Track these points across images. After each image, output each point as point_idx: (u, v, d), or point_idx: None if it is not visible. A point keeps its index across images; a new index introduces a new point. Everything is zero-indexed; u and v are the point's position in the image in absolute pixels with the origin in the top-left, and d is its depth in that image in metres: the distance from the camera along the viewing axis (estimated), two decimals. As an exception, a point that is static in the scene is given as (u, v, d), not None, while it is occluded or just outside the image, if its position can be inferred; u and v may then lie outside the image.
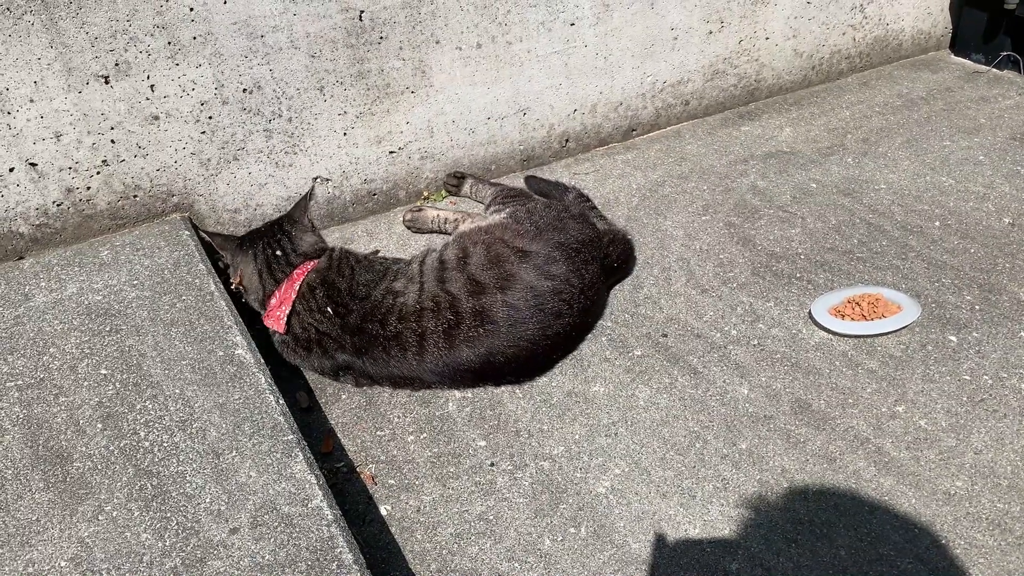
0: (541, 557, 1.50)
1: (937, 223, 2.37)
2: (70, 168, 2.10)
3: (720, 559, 1.48)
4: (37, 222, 2.13)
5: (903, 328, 1.97)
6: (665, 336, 2.01)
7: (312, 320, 1.87)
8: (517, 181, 2.63)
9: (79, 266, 2.06)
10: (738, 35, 2.96)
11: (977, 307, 2.03)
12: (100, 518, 1.40)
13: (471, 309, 1.78)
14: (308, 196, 2.03)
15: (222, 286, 1.98)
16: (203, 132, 2.21)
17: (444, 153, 2.61)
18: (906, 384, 1.83)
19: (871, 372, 1.87)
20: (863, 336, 1.96)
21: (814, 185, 2.60)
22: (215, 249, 2.07)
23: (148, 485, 1.46)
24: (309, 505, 1.41)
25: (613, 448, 1.72)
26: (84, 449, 1.53)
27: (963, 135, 2.84)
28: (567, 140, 2.82)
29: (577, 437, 1.75)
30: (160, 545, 1.35)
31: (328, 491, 1.46)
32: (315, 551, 1.33)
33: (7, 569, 1.32)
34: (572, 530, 1.55)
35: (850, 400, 1.80)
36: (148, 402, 1.63)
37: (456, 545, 1.53)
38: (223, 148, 2.26)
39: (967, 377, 1.84)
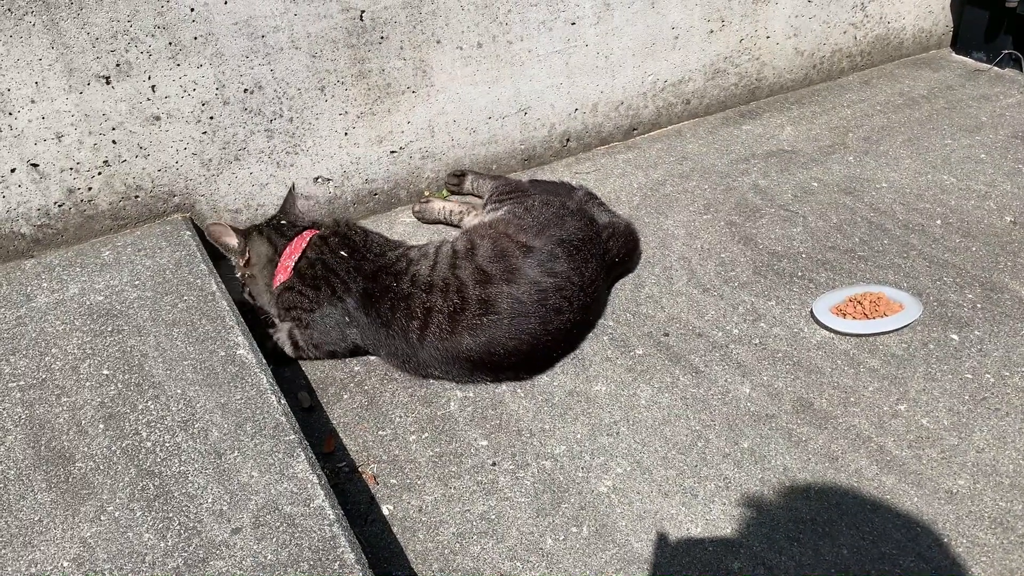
0: (543, 556, 1.50)
1: (939, 221, 2.37)
2: (71, 169, 2.10)
3: (722, 558, 1.48)
4: (39, 223, 2.13)
5: (905, 327, 1.97)
6: (667, 335, 2.01)
7: (322, 256, 1.93)
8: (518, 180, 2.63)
9: (81, 266, 2.06)
10: (739, 34, 2.96)
11: (979, 305, 2.03)
12: (102, 518, 1.40)
13: (477, 297, 1.81)
14: (291, 192, 2.13)
15: (223, 286, 1.98)
16: (204, 132, 2.21)
17: (445, 153, 2.61)
18: (908, 383, 1.83)
19: (873, 371, 1.87)
20: (865, 335, 1.96)
21: (815, 184, 2.60)
22: (220, 248, 2.08)
23: (150, 485, 1.46)
24: (311, 505, 1.41)
25: (615, 447, 1.72)
26: (86, 449, 1.53)
27: (964, 133, 2.83)
28: (568, 139, 2.82)
29: (579, 436, 1.75)
30: (162, 545, 1.35)
31: (330, 491, 1.46)
32: (317, 551, 1.33)
33: (10, 569, 1.32)
34: (574, 529, 1.55)
35: (852, 399, 1.80)
36: (150, 402, 1.64)
37: (458, 544, 1.53)
38: (224, 148, 2.26)
39: (969, 376, 1.83)
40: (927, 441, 1.68)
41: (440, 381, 1.90)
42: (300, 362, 1.99)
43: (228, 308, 1.88)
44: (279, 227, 2.03)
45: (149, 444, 1.54)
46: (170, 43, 2.07)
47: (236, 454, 1.51)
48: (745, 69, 3.06)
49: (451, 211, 2.43)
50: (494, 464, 1.70)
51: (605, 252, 2.06)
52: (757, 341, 1.97)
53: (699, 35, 2.88)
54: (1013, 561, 1.44)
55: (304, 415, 1.83)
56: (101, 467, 1.50)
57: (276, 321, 2.00)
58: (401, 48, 2.38)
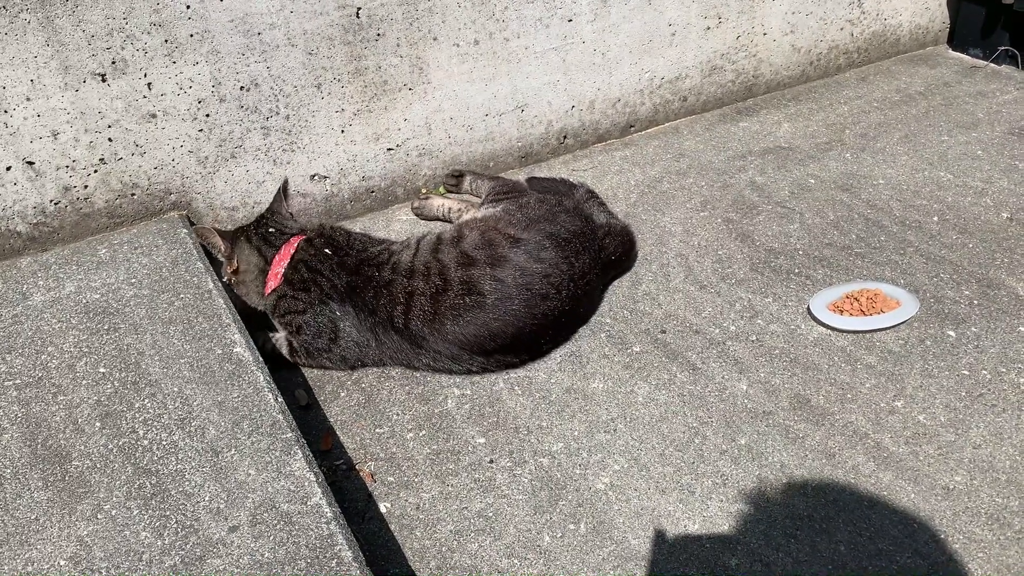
0: (541, 553, 1.50)
1: (935, 218, 2.37)
2: (67, 167, 2.10)
3: (719, 555, 1.48)
4: (35, 221, 2.13)
5: (902, 323, 1.97)
6: (664, 332, 2.01)
7: (306, 258, 1.94)
8: (517, 178, 2.63)
9: (77, 265, 2.05)
10: (736, 31, 2.96)
11: (975, 302, 2.03)
12: (99, 517, 1.40)
13: (459, 278, 1.83)
14: (282, 189, 2.12)
15: (220, 284, 1.98)
16: (200, 130, 2.21)
17: (442, 150, 2.61)
18: (905, 379, 1.83)
19: (870, 367, 1.87)
20: (862, 331, 1.96)
21: (812, 181, 2.60)
22: (207, 249, 2.08)
23: (147, 483, 1.45)
24: (308, 503, 1.41)
25: (612, 444, 1.72)
26: (83, 448, 1.53)
27: (961, 130, 2.84)
28: (565, 137, 2.82)
29: (576, 433, 1.75)
30: (159, 543, 1.35)
31: (327, 489, 1.46)
32: (314, 549, 1.33)
33: (6, 568, 1.32)
34: (571, 526, 1.55)
35: (849, 395, 1.80)
36: (147, 400, 1.63)
37: (456, 542, 1.53)
38: (221, 146, 2.25)
39: (966, 372, 1.84)
40: (924, 437, 1.69)
41: (436, 377, 1.90)
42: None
43: (225, 306, 1.88)
44: (267, 236, 2.02)
45: (146, 442, 1.54)
46: (166, 40, 2.06)
47: (233, 452, 1.51)
48: (742, 66, 3.06)
49: (450, 208, 2.43)
50: (491, 461, 1.70)
51: (601, 249, 2.06)
52: (754, 338, 1.98)
53: (696, 32, 2.88)
54: (1010, 557, 1.44)
55: (301, 413, 1.83)
56: (98, 465, 1.49)
57: (277, 327, 2.00)
58: (398, 45, 2.38)
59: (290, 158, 2.37)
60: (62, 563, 1.32)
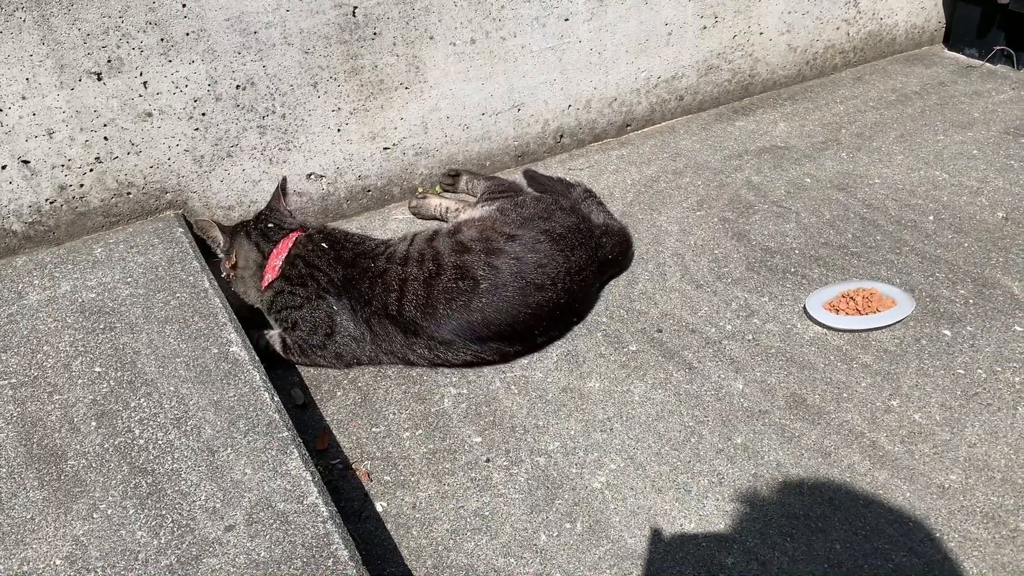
0: (537, 552, 1.50)
1: (931, 217, 2.37)
2: (63, 165, 2.09)
3: (715, 553, 1.49)
4: (30, 220, 2.12)
5: (897, 322, 1.98)
6: (660, 331, 2.01)
7: (303, 253, 1.95)
8: (513, 176, 2.63)
9: (72, 264, 2.05)
10: (732, 30, 2.96)
11: (971, 301, 2.04)
12: (95, 516, 1.40)
13: (453, 263, 1.85)
14: (280, 187, 2.13)
15: (216, 283, 1.97)
16: (196, 129, 2.20)
17: (438, 149, 2.61)
18: (900, 378, 1.83)
19: (865, 366, 1.87)
20: (857, 330, 1.97)
21: (808, 180, 2.60)
22: (206, 242, 2.09)
23: (143, 483, 1.45)
24: (304, 502, 1.40)
25: (608, 443, 1.72)
26: (78, 447, 1.53)
27: (957, 129, 2.84)
28: (561, 136, 2.82)
29: (572, 433, 1.75)
30: (155, 543, 1.34)
31: (323, 488, 1.46)
32: (311, 548, 1.33)
33: (1, 568, 1.31)
34: (568, 525, 1.55)
35: (844, 394, 1.80)
36: (142, 400, 1.63)
37: (452, 541, 1.53)
38: (217, 145, 2.25)
39: (961, 371, 1.84)
40: (919, 436, 1.69)
41: (433, 376, 1.90)
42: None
43: (221, 305, 1.88)
44: (266, 231, 2.02)
45: (142, 442, 1.54)
46: (162, 39, 2.06)
47: (229, 451, 1.51)
48: (738, 65, 3.06)
49: (447, 207, 2.43)
50: (488, 461, 1.70)
51: (598, 247, 2.06)
52: (750, 337, 1.98)
53: (692, 31, 2.88)
54: (1005, 556, 1.45)
55: (297, 412, 1.83)
56: (93, 465, 1.49)
57: (272, 323, 2.00)
58: (394, 44, 2.37)
59: (286, 157, 2.36)
60: (58, 562, 1.32)
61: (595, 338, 2.00)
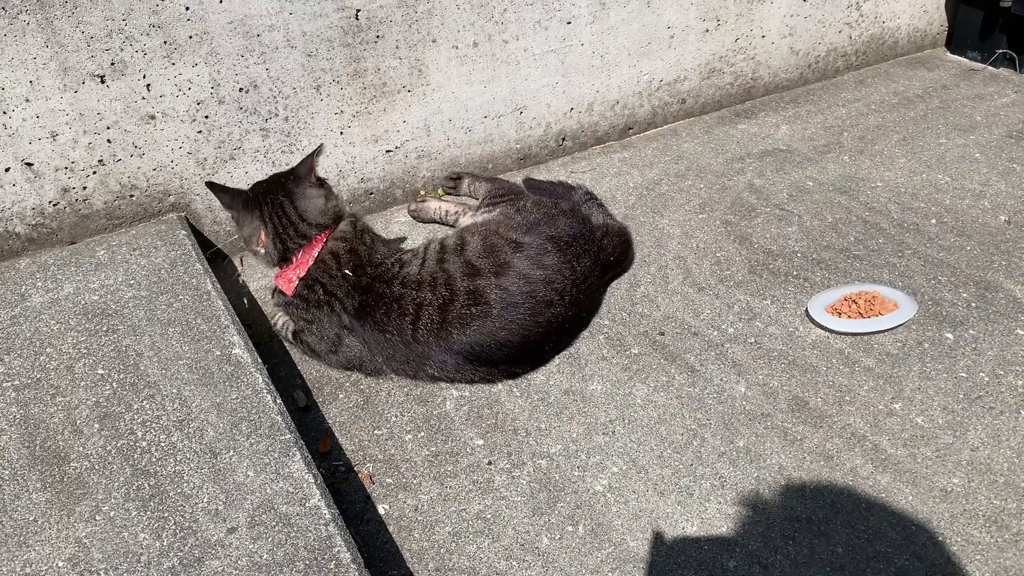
0: (539, 555, 1.50)
1: (933, 221, 2.37)
2: (66, 168, 2.10)
3: (718, 557, 1.49)
4: (33, 222, 2.13)
5: (900, 326, 1.98)
6: (662, 334, 2.01)
7: (324, 280, 1.90)
8: (515, 179, 2.63)
9: (76, 266, 2.05)
10: (734, 33, 2.96)
11: (973, 304, 2.04)
12: (97, 518, 1.40)
13: (465, 288, 1.82)
14: (315, 154, 2.00)
15: (219, 286, 1.98)
16: (199, 131, 2.21)
17: (441, 152, 2.61)
18: (903, 381, 1.83)
19: (868, 370, 1.87)
20: (860, 334, 1.96)
21: (811, 183, 2.60)
22: (221, 203, 2.04)
23: (145, 485, 1.45)
24: (307, 504, 1.41)
25: (611, 446, 1.72)
26: (81, 449, 1.53)
27: (959, 133, 2.84)
28: (564, 139, 2.82)
29: (575, 435, 1.75)
30: (158, 545, 1.34)
31: (326, 490, 1.46)
32: (313, 550, 1.33)
33: (4, 570, 1.32)
34: (570, 528, 1.55)
35: (847, 398, 1.80)
36: (145, 402, 1.63)
37: (454, 544, 1.53)
38: (219, 147, 2.25)
39: (964, 374, 1.84)
40: (922, 440, 1.69)
41: (436, 380, 1.90)
42: (296, 362, 1.99)
43: (223, 308, 1.88)
44: (280, 234, 1.93)
45: (144, 444, 1.54)
46: (165, 42, 2.07)
47: (231, 454, 1.51)
48: (740, 68, 3.06)
49: (447, 211, 2.43)
50: (490, 463, 1.70)
51: (600, 250, 2.06)
52: (752, 340, 1.98)
53: (695, 34, 2.88)
54: (1007, 559, 1.45)
55: (300, 414, 1.83)
56: (96, 467, 1.49)
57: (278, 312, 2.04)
58: (397, 47, 2.38)
59: (289, 160, 2.36)
60: (60, 564, 1.32)
61: (597, 341, 2.00)
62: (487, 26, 2.49)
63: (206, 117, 2.20)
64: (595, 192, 2.42)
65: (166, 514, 1.40)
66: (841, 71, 3.33)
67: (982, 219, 2.36)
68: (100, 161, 2.13)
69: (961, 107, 3.01)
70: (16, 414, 1.62)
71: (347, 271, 1.90)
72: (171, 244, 2.12)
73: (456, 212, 2.40)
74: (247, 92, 2.22)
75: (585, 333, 2.02)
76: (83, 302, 1.92)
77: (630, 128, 2.94)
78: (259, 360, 1.75)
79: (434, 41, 2.43)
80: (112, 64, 2.03)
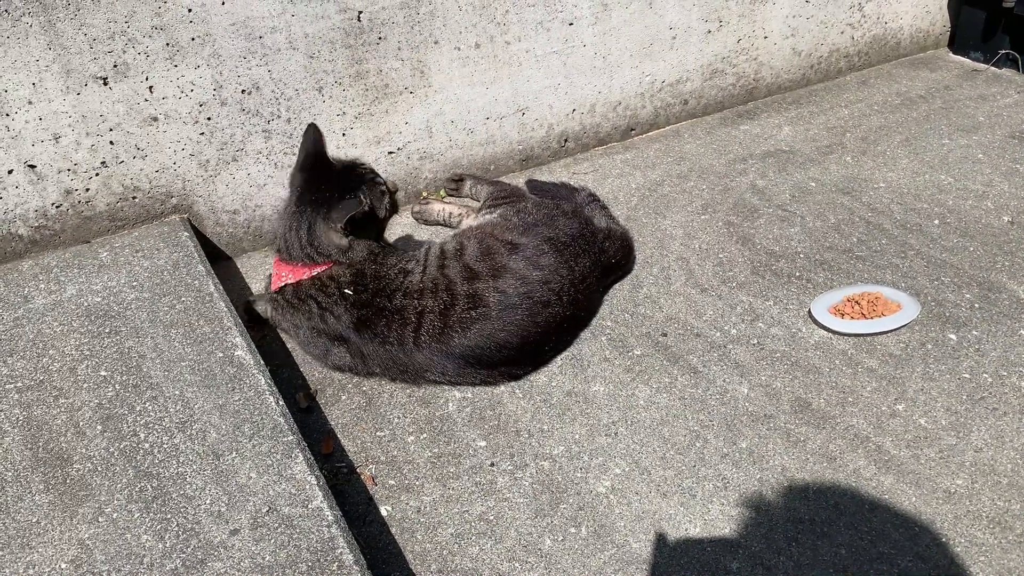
0: (542, 557, 1.50)
1: (936, 221, 2.37)
2: (69, 170, 2.10)
3: (721, 558, 1.48)
4: (36, 224, 2.13)
5: (903, 326, 1.97)
6: (665, 335, 2.01)
7: (320, 298, 1.86)
8: (517, 181, 2.63)
9: (78, 268, 2.06)
10: (736, 34, 2.96)
11: (977, 305, 2.03)
12: (100, 520, 1.40)
13: (465, 293, 1.82)
14: (350, 207, 1.84)
15: (221, 287, 1.98)
16: (202, 133, 2.21)
17: (443, 153, 2.61)
18: (906, 382, 1.83)
19: (871, 371, 1.87)
20: (863, 335, 1.96)
21: (813, 184, 2.60)
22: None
23: (148, 487, 1.45)
24: (309, 506, 1.41)
25: (613, 448, 1.72)
26: (84, 451, 1.53)
27: (962, 133, 2.84)
28: (566, 140, 2.82)
29: (577, 437, 1.75)
30: (160, 547, 1.35)
31: (328, 492, 1.46)
32: (316, 552, 1.33)
33: (7, 571, 1.32)
34: (572, 530, 1.55)
35: (850, 399, 1.80)
36: (148, 404, 1.63)
37: (456, 545, 1.53)
38: (222, 149, 2.26)
39: (967, 375, 1.84)
40: (925, 441, 1.69)
41: (437, 384, 1.90)
42: (298, 364, 1.99)
43: (226, 309, 1.88)
44: (291, 239, 1.89)
45: (147, 445, 1.54)
46: (167, 44, 2.07)
47: (234, 455, 1.51)
48: (743, 69, 3.06)
49: (450, 213, 2.43)
50: (492, 465, 1.69)
51: (601, 252, 2.06)
52: (755, 341, 1.98)
53: (697, 35, 2.88)
54: (1011, 560, 1.44)
55: (302, 416, 1.83)
56: (99, 468, 1.49)
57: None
58: (399, 49, 2.38)
59: (291, 161, 2.36)
60: (63, 566, 1.32)
61: (599, 342, 2.00)
62: (489, 27, 2.49)
63: (208, 119, 2.20)
64: (597, 193, 2.42)
65: (169, 516, 1.40)
66: (843, 72, 3.32)
67: (985, 220, 2.36)
68: (103, 163, 2.13)
69: (964, 108, 3.01)
70: (19, 416, 1.62)
71: (347, 291, 1.85)
72: (173, 246, 2.12)
73: (459, 214, 2.40)
74: (249, 94, 2.22)
75: (587, 334, 2.02)
76: (86, 304, 1.92)
77: (632, 129, 2.94)
78: (261, 362, 1.75)
79: (436, 42, 2.43)
80: (115, 66, 2.04)
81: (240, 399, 1.63)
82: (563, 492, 1.63)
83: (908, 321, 1.98)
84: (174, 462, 1.50)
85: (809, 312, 2.04)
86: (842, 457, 1.66)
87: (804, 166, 2.70)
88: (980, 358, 1.88)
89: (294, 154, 2.35)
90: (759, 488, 1.61)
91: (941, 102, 3.06)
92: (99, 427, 1.58)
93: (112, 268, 2.05)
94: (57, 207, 2.13)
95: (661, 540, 1.52)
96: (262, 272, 2.32)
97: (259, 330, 2.06)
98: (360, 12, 2.28)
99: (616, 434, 1.75)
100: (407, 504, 1.62)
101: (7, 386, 1.69)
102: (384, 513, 1.61)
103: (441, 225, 2.46)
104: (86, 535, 1.37)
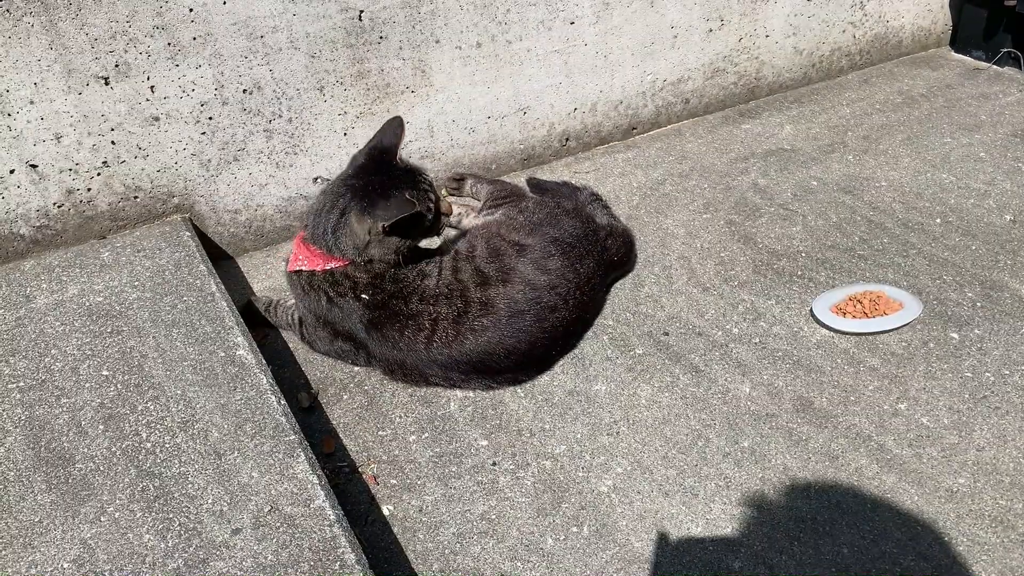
0: (543, 556, 1.50)
1: (938, 220, 2.37)
2: (70, 169, 2.10)
3: (723, 557, 1.48)
4: (38, 224, 2.13)
5: (905, 325, 1.97)
6: (667, 334, 2.01)
7: (331, 294, 1.81)
8: (518, 180, 2.63)
9: (80, 267, 2.06)
10: (738, 33, 2.96)
11: (979, 304, 2.03)
12: (102, 519, 1.40)
13: (478, 299, 1.80)
14: (392, 214, 1.73)
15: (223, 287, 1.98)
16: (203, 133, 2.21)
17: (444, 153, 2.61)
18: (908, 381, 1.83)
19: (873, 370, 1.87)
20: (865, 334, 1.96)
21: (815, 183, 2.60)
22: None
23: (150, 486, 1.46)
24: (311, 505, 1.41)
25: (615, 447, 1.72)
26: (86, 451, 1.53)
27: (964, 132, 2.83)
28: (567, 139, 2.82)
29: (579, 436, 1.75)
30: (163, 546, 1.35)
31: (330, 491, 1.46)
32: (317, 551, 1.33)
33: (10, 571, 1.32)
34: (574, 529, 1.55)
35: (852, 398, 1.80)
36: (150, 403, 1.64)
37: (458, 545, 1.53)
38: (223, 149, 2.26)
39: (969, 374, 1.83)
40: (927, 440, 1.68)
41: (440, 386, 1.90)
42: (300, 363, 1.99)
43: (227, 309, 1.88)
44: (321, 220, 1.80)
45: (149, 445, 1.54)
46: (169, 44, 2.07)
47: (236, 455, 1.51)
48: (744, 68, 3.06)
49: (453, 212, 2.43)
50: (494, 464, 1.69)
51: (604, 251, 2.06)
52: (757, 340, 1.97)
53: (698, 34, 2.88)
54: (1014, 560, 1.44)
55: (304, 415, 1.83)
56: (101, 468, 1.50)
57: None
58: (400, 48, 2.38)
59: (293, 161, 2.37)
60: (65, 566, 1.32)
61: (601, 341, 2.00)
62: (490, 27, 2.49)
63: (210, 119, 2.20)
64: (599, 192, 2.42)
65: (171, 515, 1.40)
66: (845, 70, 3.32)
67: (987, 218, 2.36)
68: (104, 163, 2.13)
69: (966, 106, 3.01)
70: (21, 415, 1.62)
71: (363, 295, 1.80)
72: (175, 245, 2.12)
73: (459, 213, 2.40)
74: (251, 93, 2.22)
75: (589, 334, 2.02)
76: (87, 303, 1.92)
77: (634, 128, 2.94)
78: (263, 361, 1.75)
79: (437, 42, 2.43)
80: (116, 66, 2.04)
81: (242, 398, 1.63)
82: (565, 491, 1.63)
83: (910, 320, 1.97)
84: (176, 462, 1.50)
85: (811, 311, 2.04)
86: (844, 456, 1.66)
87: (806, 165, 2.70)
88: (982, 357, 1.88)
89: (296, 154, 2.36)
90: (761, 487, 1.61)
91: (943, 101, 3.06)
92: (101, 427, 1.58)
93: (114, 268, 2.05)
94: (59, 207, 2.13)
95: (663, 539, 1.52)
96: (263, 272, 2.32)
97: (260, 330, 2.06)
98: (361, 11, 2.28)
99: (618, 433, 1.75)
100: (409, 503, 1.62)
101: (9, 386, 1.69)
102: (386, 512, 1.61)
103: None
104: (88, 535, 1.37)
